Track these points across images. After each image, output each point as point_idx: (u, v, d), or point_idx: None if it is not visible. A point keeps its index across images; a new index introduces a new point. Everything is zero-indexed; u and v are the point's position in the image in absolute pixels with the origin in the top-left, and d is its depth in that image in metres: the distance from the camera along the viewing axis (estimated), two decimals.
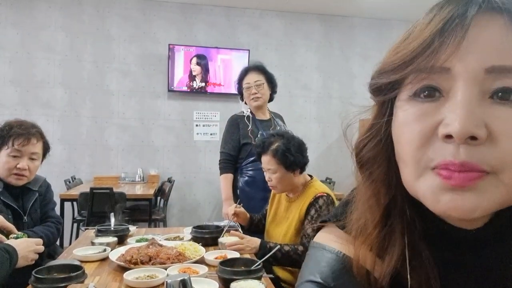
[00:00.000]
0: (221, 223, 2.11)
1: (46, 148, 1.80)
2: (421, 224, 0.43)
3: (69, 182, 4.20)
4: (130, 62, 4.71)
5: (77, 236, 3.83)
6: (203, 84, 4.77)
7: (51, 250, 1.84)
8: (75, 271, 1.32)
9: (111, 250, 1.64)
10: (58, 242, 2.06)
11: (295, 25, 5.11)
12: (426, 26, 0.38)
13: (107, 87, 4.67)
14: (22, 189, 1.76)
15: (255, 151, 1.95)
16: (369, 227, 0.45)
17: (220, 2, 4.81)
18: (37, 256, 1.50)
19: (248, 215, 2.06)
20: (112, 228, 1.94)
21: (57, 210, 2.20)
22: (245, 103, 2.51)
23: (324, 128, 5.18)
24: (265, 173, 1.89)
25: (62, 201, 3.61)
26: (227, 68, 4.81)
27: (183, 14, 4.82)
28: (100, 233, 1.89)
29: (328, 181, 4.49)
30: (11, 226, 1.54)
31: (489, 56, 0.36)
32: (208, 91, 4.80)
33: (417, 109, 0.39)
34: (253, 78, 2.43)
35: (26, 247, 1.44)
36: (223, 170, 2.46)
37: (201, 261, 1.58)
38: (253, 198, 2.34)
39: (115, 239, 1.79)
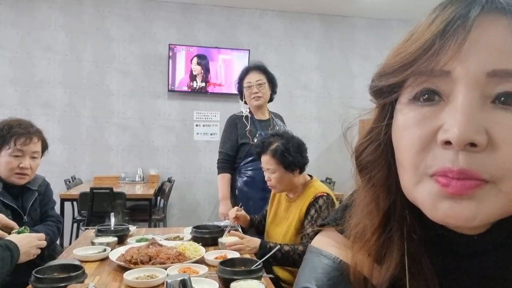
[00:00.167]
0: (221, 223, 2.11)
1: (45, 146, 1.81)
2: (421, 230, 0.42)
3: (69, 182, 4.20)
4: (130, 62, 4.71)
5: (77, 236, 3.83)
6: (203, 84, 4.77)
7: (51, 250, 1.83)
8: (75, 271, 1.32)
9: (111, 250, 1.64)
10: (58, 242, 2.06)
11: (295, 25, 5.12)
12: (428, 27, 0.37)
13: (107, 87, 4.67)
14: (22, 189, 1.76)
15: (255, 150, 1.95)
16: (367, 233, 0.44)
17: (220, 2, 4.81)
18: (39, 251, 1.50)
19: (248, 217, 2.06)
20: (112, 228, 1.94)
21: (57, 210, 2.20)
22: (245, 102, 2.51)
23: (324, 128, 5.18)
24: (264, 172, 1.90)
25: (62, 201, 3.61)
26: (227, 68, 4.81)
27: (183, 14, 4.82)
28: (100, 233, 1.89)
29: (328, 181, 4.49)
30: (12, 223, 1.54)
31: (491, 59, 0.34)
32: (208, 91, 4.80)
33: (417, 113, 0.38)
34: (254, 77, 2.43)
35: (28, 242, 1.44)
36: (221, 170, 2.46)
37: (201, 261, 1.58)
38: (251, 198, 2.34)
39: (115, 239, 1.79)
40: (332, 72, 5.20)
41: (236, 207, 2.07)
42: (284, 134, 1.90)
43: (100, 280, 1.39)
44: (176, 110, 4.82)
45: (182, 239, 1.91)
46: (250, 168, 2.41)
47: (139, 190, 4.07)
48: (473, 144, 0.34)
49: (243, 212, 2.05)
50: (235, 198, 2.44)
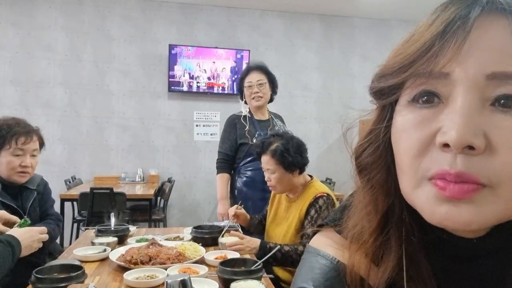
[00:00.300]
0: (221, 223, 2.11)
1: (42, 144, 1.82)
2: (419, 233, 0.42)
3: (69, 182, 4.20)
4: (130, 62, 4.71)
5: (77, 236, 3.83)
6: (203, 84, 4.78)
7: (51, 249, 1.84)
8: (75, 271, 1.32)
9: (111, 250, 1.64)
10: (58, 242, 2.06)
11: (295, 25, 5.12)
12: (428, 28, 0.37)
13: (107, 87, 4.67)
14: (20, 189, 1.77)
15: (255, 150, 1.95)
16: (365, 234, 0.44)
17: (220, 2, 4.81)
18: (41, 245, 1.51)
19: (248, 216, 2.06)
20: (112, 228, 1.94)
21: (57, 210, 2.20)
22: (245, 102, 2.51)
23: (324, 129, 5.18)
24: (264, 173, 1.90)
25: (62, 201, 3.61)
26: (227, 68, 4.81)
27: (183, 14, 4.82)
28: (100, 233, 1.89)
29: (328, 182, 4.49)
30: (14, 217, 1.54)
31: (490, 61, 0.34)
32: (208, 91, 4.81)
33: (416, 115, 0.38)
34: (255, 77, 2.43)
35: (30, 236, 1.45)
36: (220, 169, 2.46)
37: (201, 261, 1.58)
38: (251, 198, 2.34)
39: (115, 239, 1.79)
40: (332, 72, 5.21)
41: (236, 205, 2.07)
42: (284, 134, 1.90)
43: (100, 280, 1.39)
44: (176, 110, 4.82)
45: (182, 239, 1.91)
46: (250, 169, 2.41)
47: (139, 190, 4.08)
48: (471, 147, 0.33)
49: (243, 211, 2.04)
50: (235, 199, 2.43)
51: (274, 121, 2.54)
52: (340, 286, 0.44)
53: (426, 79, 0.37)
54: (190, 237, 1.91)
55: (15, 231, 1.42)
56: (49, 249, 1.80)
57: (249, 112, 2.51)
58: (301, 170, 1.85)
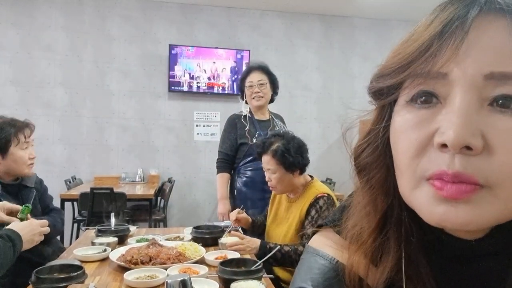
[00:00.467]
0: (221, 224, 2.11)
1: None
2: (419, 233, 0.42)
3: (70, 182, 4.20)
4: (131, 62, 4.71)
5: (77, 236, 3.83)
6: (204, 84, 4.78)
7: (54, 246, 1.84)
8: (75, 271, 1.32)
9: (111, 250, 1.64)
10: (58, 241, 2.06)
11: (296, 26, 5.12)
12: (426, 29, 0.37)
13: (108, 87, 4.67)
14: (19, 188, 1.78)
15: (256, 150, 1.95)
16: (364, 235, 0.44)
17: (221, 3, 4.81)
18: (42, 237, 1.51)
19: (250, 219, 2.05)
20: (112, 228, 1.94)
21: None
22: (246, 102, 2.51)
23: (324, 129, 5.18)
24: (265, 173, 1.90)
25: (63, 201, 3.61)
26: (227, 68, 4.81)
27: (183, 14, 4.82)
28: (100, 233, 1.89)
29: (329, 182, 4.49)
30: (16, 206, 1.54)
31: (488, 61, 0.34)
32: (208, 92, 4.81)
33: (414, 116, 0.38)
34: (256, 77, 2.44)
35: (31, 230, 1.44)
36: (220, 169, 2.46)
37: (201, 261, 1.58)
38: (250, 199, 2.34)
39: (116, 239, 1.79)
40: (332, 72, 5.21)
41: (237, 209, 2.06)
42: (285, 134, 1.90)
43: (101, 280, 1.39)
44: (177, 110, 4.82)
45: (182, 239, 1.91)
46: (250, 169, 2.41)
47: (139, 190, 4.08)
48: (469, 148, 0.33)
49: (244, 215, 2.04)
50: (234, 199, 2.43)
51: (274, 122, 2.54)
52: (339, 286, 0.44)
53: (424, 79, 0.36)
54: (190, 237, 1.91)
55: (15, 225, 1.41)
56: (52, 247, 1.80)
57: (250, 112, 2.51)
58: (302, 171, 1.85)
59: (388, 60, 0.40)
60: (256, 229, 2.08)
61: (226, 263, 1.43)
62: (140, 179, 4.54)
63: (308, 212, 1.76)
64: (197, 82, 4.76)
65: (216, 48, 4.80)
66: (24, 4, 4.45)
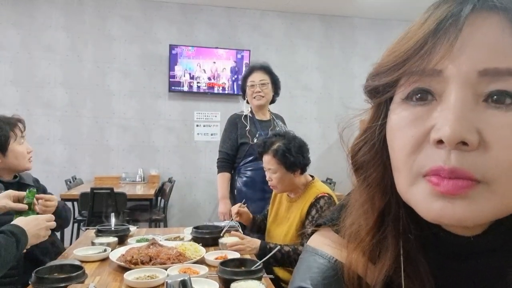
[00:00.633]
0: (221, 223, 2.11)
1: None
2: (417, 230, 0.42)
3: (70, 182, 4.20)
4: (131, 62, 4.71)
5: (77, 236, 3.83)
6: (204, 84, 4.78)
7: (55, 247, 1.84)
8: (75, 271, 1.32)
9: (111, 250, 1.64)
10: (58, 241, 2.06)
11: (296, 26, 5.12)
12: (421, 26, 0.37)
13: (108, 87, 4.67)
14: (19, 186, 1.78)
15: (257, 150, 1.95)
16: (362, 233, 0.44)
17: (221, 3, 4.81)
18: (49, 232, 1.47)
19: (251, 215, 2.06)
20: (112, 228, 1.94)
21: None
22: (247, 102, 2.51)
23: (324, 129, 5.18)
24: (266, 172, 1.89)
25: (63, 201, 3.61)
26: (227, 68, 4.81)
27: (184, 15, 4.82)
28: (100, 233, 1.89)
29: (329, 182, 4.49)
30: (22, 193, 1.53)
31: (482, 58, 0.34)
32: (209, 92, 4.81)
33: (409, 113, 0.38)
34: (258, 77, 2.44)
35: (36, 225, 1.40)
36: (220, 169, 2.46)
37: (202, 261, 1.58)
38: (250, 198, 2.34)
39: (116, 239, 1.79)
40: (333, 72, 5.20)
41: (239, 203, 2.07)
42: (286, 134, 1.90)
43: (101, 281, 1.39)
44: (177, 111, 4.82)
45: (182, 239, 1.91)
46: (250, 169, 2.41)
47: (139, 190, 4.08)
48: (465, 143, 0.34)
49: (246, 209, 2.04)
50: (234, 199, 2.43)
51: (275, 122, 2.54)
52: (338, 285, 0.45)
53: (420, 77, 0.37)
54: (190, 237, 1.91)
55: (19, 221, 1.39)
56: (55, 246, 1.80)
57: (251, 112, 2.51)
58: (303, 170, 1.85)
59: (383, 58, 0.40)
60: (256, 226, 2.08)
61: (226, 263, 1.42)
62: (140, 179, 4.54)
63: (308, 212, 1.76)
64: (197, 82, 4.76)
65: (217, 48, 4.80)
66: (25, 4, 4.46)
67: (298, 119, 5.04)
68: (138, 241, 1.85)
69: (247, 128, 2.43)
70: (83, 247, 1.73)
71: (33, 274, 1.28)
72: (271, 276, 1.48)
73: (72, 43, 4.58)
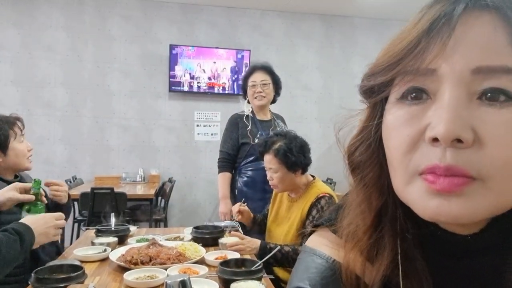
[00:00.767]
0: (222, 224, 2.11)
1: None
2: (415, 229, 0.42)
3: (70, 182, 4.20)
4: (131, 62, 4.71)
5: (77, 236, 3.83)
6: (204, 84, 4.77)
7: (55, 246, 1.84)
8: (75, 271, 1.32)
9: (111, 250, 1.64)
10: (58, 241, 2.06)
11: (296, 25, 5.11)
12: (414, 26, 0.38)
13: (108, 87, 4.67)
14: None
15: (258, 149, 1.95)
16: (359, 233, 0.44)
17: (221, 2, 4.81)
18: (59, 231, 1.43)
19: (251, 214, 2.05)
20: (112, 228, 1.94)
21: None
22: (248, 101, 2.51)
23: (324, 128, 5.18)
24: (267, 172, 1.89)
25: None
26: (228, 68, 4.81)
27: (184, 14, 4.82)
28: (100, 233, 1.89)
29: (329, 182, 4.49)
30: (28, 184, 1.53)
31: (475, 56, 0.35)
32: (209, 92, 4.80)
33: (404, 112, 0.38)
34: (259, 77, 2.44)
35: (44, 223, 1.36)
36: (221, 168, 2.46)
37: (201, 261, 1.57)
38: (251, 198, 2.34)
39: (116, 239, 1.79)
40: (333, 72, 5.20)
41: (239, 202, 2.06)
42: (288, 133, 1.90)
43: (100, 281, 1.39)
44: (177, 110, 4.82)
45: (182, 239, 1.91)
46: (250, 169, 2.40)
47: (140, 190, 4.08)
48: (460, 141, 0.34)
49: (246, 208, 2.04)
50: (235, 198, 2.43)
51: (276, 122, 2.54)
52: (336, 285, 0.45)
53: (414, 76, 0.37)
54: (190, 237, 1.91)
55: (27, 219, 1.36)
56: (57, 248, 1.80)
57: (252, 112, 2.51)
58: (304, 170, 1.85)
59: (378, 58, 0.41)
60: (257, 226, 2.07)
61: (226, 263, 1.42)
62: (140, 179, 4.54)
63: (309, 212, 1.76)
64: (198, 82, 4.76)
65: (217, 48, 4.80)
66: (25, 4, 4.46)
67: (298, 119, 5.04)
68: (138, 241, 1.84)
69: (248, 128, 2.43)
70: (83, 247, 1.73)
71: (32, 274, 1.28)
72: (271, 276, 1.48)
73: (73, 43, 4.58)
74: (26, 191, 1.50)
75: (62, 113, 4.57)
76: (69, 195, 1.81)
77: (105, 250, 1.65)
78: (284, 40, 5.08)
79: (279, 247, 1.67)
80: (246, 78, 2.50)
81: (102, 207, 3.42)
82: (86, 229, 2.24)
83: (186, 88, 4.74)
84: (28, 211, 1.48)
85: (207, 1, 4.76)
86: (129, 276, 1.35)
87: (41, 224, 1.35)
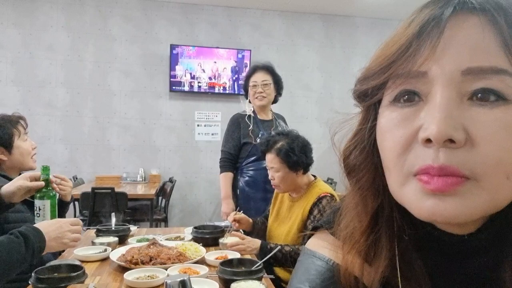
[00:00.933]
0: (222, 224, 2.10)
1: None
2: (411, 230, 0.43)
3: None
4: (132, 62, 4.71)
5: None
6: (205, 84, 4.77)
7: None
8: (75, 271, 1.32)
9: (111, 250, 1.64)
10: None
11: (297, 25, 5.11)
12: (405, 30, 0.39)
13: (109, 87, 4.67)
14: None
15: (260, 148, 1.95)
16: (356, 234, 0.45)
17: (222, 2, 4.81)
18: (78, 237, 1.36)
19: (250, 220, 2.02)
20: (113, 228, 1.94)
21: None
22: (249, 101, 2.51)
23: (325, 128, 5.13)
24: (268, 171, 1.89)
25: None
26: (228, 68, 4.81)
27: (184, 14, 4.82)
28: (100, 233, 1.89)
29: (330, 182, 4.48)
30: (38, 173, 1.50)
31: (465, 58, 0.35)
32: (209, 91, 4.80)
33: (397, 114, 0.39)
34: (260, 77, 2.43)
35: (58, 228, 1.29)
36: (223, 168, 2.46)
37: (202, 261, 1.57)
38: (253, 198, 2.34)
39: (116, 239, 1.79)
40: (334, 72, 5.20)
41: (234, 212, 2.04)
42: (290, 133, 1.90)
43: (101, 281, 1.39)
44: (178, 110, 4.82)
45: (183, 239, 1.90)
46: (252, 168, 2.40)
47: (140, 190, 4.08)
48: (452, 141, 0.35)
49: (243, 215, 2.02)
50: (237, 198, 2.43)
51: (277, 122, 2.54)
52: (336, 286, 0.45)
53: (406, 79, 0.38)
54: (190, 237, 1.91)
55: (40, 224, 1.30)
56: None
57: (253, 111, 2.50)
58: (305, 170, 1.84)
59: (371, 63, 0.42)
60: (257, 231, 2.06)
61: (226, 263, 1.42)
62: (141, 179, 4.54)
63: (310, 211, 1.76)
64: (198, 82, 4.76)
65: (217, 48, 4.79)
66: (26, 4, 4.46)
67: (299, 119, 5.04)
68: (138, 241, 1.84)
69: (250, 128, 2.43)
70: (83, 247, 1.73)
71: (32, 274, 1.27)
72: (272, 276, 1.48)
73: (73, 43, 4.58)
74: (36, 180, 1.46)
75: (63, 113, 4.57)
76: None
77: (105, 250, 1.65)
78: (285, 40, 5.08)
79: (279, 247, 1.67)
80: (247, 78, 2.50)
81: (103, 207, 3.42)
82: (87, 228, 2.24)
83: (186, 88, 4.74)
84: (42, 198, 1.44)
85: (208, 1, 4.76)
86: (129, 276, 1.35)
87: (54, 229, 1.28)
